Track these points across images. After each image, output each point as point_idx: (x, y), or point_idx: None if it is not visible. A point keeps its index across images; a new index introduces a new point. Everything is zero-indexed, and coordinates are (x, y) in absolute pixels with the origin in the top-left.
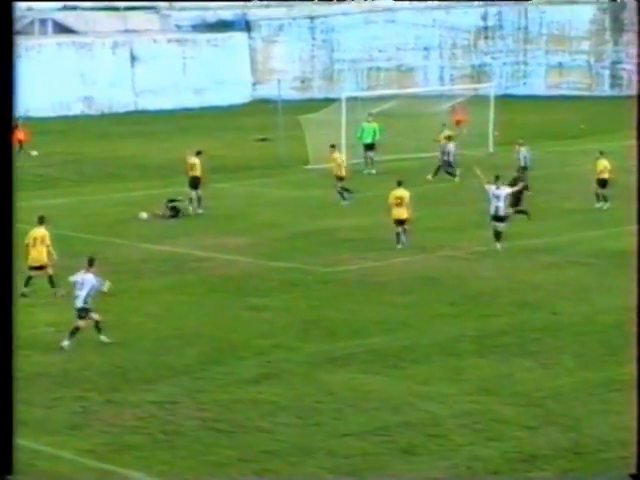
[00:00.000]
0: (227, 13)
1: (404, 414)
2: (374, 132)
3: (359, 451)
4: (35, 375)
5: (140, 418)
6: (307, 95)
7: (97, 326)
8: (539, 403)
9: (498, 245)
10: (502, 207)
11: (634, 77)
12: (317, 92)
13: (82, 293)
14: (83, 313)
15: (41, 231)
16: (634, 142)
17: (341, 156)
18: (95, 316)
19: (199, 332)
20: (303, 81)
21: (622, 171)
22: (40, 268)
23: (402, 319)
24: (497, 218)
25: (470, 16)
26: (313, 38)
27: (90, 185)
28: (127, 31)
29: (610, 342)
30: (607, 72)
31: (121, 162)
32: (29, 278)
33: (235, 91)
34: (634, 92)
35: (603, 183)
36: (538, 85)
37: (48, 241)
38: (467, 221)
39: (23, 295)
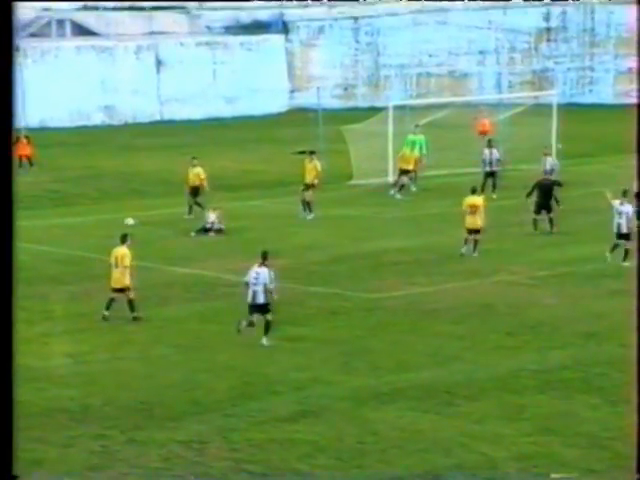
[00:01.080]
0: (263, 13)
1: (456, 456)
2: (420, 145)
3: None
4: (51, 410)
5: (166, 459)
6: (350, 104)
7: (267, 327)
8: (605, 444)
9: (626, 263)
10: (624, 224)
11: None
12: (361, 100)
13: (259, 289)
14: (267, 307)
15: (122, 250)
16: None
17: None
18: (269, 317)
19: (230, 365)
20: (346, 88)
21: None
22: (121, 290)
23: (454, 351)
24: (620, 236)
25: (530, 17)
26: (357, 41)
27: (110, 202)
28: (152, 33)
29: None
30: None
31: (144, 177)
32: (111, 300)
33: (271, 99)
34: None
35: None
36: (606, 93)
37: (127, 262)
38: (527, 243)
39: (104, 318)
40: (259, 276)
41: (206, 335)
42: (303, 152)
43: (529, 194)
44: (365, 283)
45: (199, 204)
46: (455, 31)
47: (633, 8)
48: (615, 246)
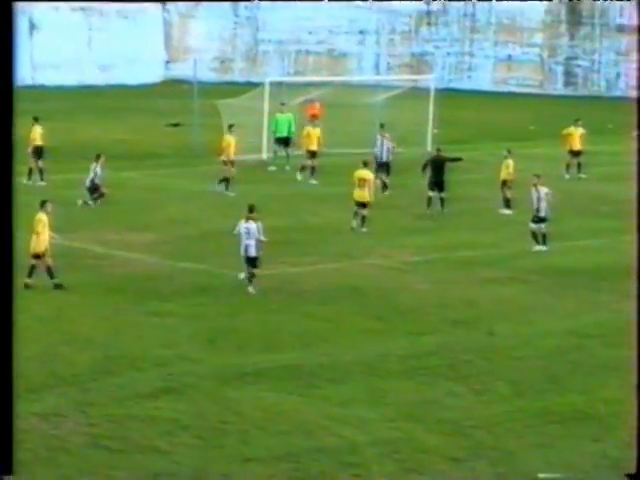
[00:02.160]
0: None
1: (317, 439)
2: (289, 124)
3: (264, 478)
4: None
5: (22, 431)
6: (227, 78)
7: (251, 278)
8: (468, 433)
9: (543, 247)
10: (543, 208)
11: (591, 76)
12: (238, 75)
13: (252, 242)
14: (258, 262)
15: (39, 216)
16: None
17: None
18: (257, 271)
19: (92, 338)
20: (223, 62)
21: (569, 181)
22: (39, 257)
23: (321, 333)
24: (540, 219)
25: None
26: (236, 15)
27: None
28: None
29: (550, 369)
30: (561, 69)
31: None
32: (32, 267)
33: (146, 69)
34: (589, 92)
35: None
36: (484, 79)
37: (41, 228)
38: (400, 227)
39: (26, 286)
40: (250, 230)
41: (69, 307)
42: (177, 125)
43: (423, 168)
44: (235, 260)
45: (42, 171)
46: (336, 10)
47: None
48: (534, 235)
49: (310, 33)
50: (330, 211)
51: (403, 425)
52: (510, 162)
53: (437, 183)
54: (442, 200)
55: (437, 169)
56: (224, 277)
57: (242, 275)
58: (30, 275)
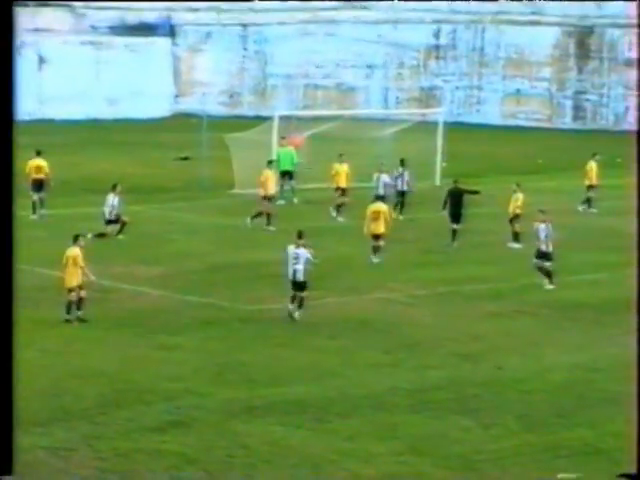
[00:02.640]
0: (150, 15)
1: (325, 473)
2: (292, 157)
3: None
4: None
5: (29, 464)
6: (235, 112)
7: (301, 303)
8: (476, 467)
9: (551, 286)
10: (544, 242)
11: (599, 109)
12: (247, 109)
13: (300, 267)
14: (305, 285)
15: (74, 250)
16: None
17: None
18: (305, 294)
19: (100, 372)
20: (231, 96)
21: (580, 214)
22: (72, 291)
23: (329, 367)
24: (542, 255)
25: (420, 33)
26: (244, 49)
27: None
28: (36, 30)
29: (558, 403)
30: (569, 103)
31: (21, 176)
32: (69, 303)
33: (155, 103)
34: (598, 126)
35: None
36: (493, 113)
37: (81, 262)
38: (407, 261)
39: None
40: (298, 255)
41: (77, 341)
42: (185, 158)
43: (444, 205)
44: (242, 294)
45: (42, 201)
46: (344, 43)
47: (523, 29)
48: (539, 269)
49: (318, 67)
50: (338, 244)
51: (411, 459)
52: (520, 196)
53: (454, 215)
54: (454, 232)
55: (455, 201)
56: (232, 310)
57: (290, 307)
58: (68, 312)
